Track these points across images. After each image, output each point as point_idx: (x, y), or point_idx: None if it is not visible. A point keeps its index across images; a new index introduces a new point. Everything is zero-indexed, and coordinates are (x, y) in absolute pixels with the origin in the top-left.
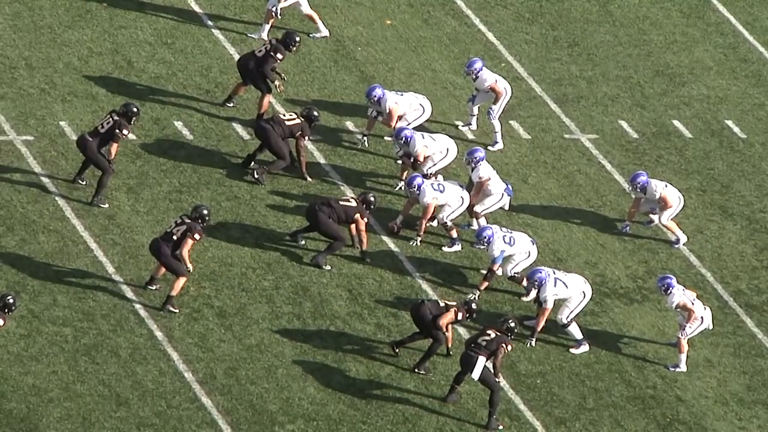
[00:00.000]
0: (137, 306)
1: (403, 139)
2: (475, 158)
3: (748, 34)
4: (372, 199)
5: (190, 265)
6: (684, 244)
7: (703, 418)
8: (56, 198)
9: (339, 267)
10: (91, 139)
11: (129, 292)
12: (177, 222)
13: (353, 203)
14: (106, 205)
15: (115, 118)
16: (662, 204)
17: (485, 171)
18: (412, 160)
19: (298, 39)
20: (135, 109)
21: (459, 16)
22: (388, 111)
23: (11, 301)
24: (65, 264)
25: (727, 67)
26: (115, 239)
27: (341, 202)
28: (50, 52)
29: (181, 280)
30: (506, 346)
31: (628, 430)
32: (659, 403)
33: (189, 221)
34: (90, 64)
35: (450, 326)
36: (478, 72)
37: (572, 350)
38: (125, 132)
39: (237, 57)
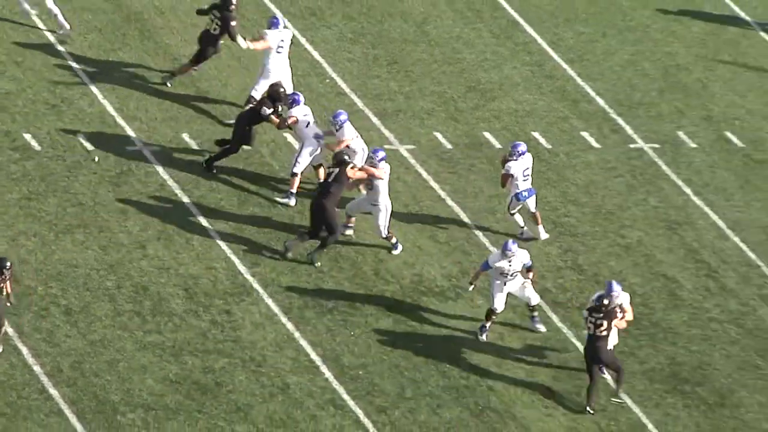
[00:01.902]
0: None
1: (338, 124)
2: (518, 152)
3: (553, 52)
4: (345, 158)
5: None
6: (492, 246)
7: (513, 406)
8: None
9: (176, 268)
10: None
11: None
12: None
13: (336, 169)
14: None
15: None
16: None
17: (516, 168)
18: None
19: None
20: None
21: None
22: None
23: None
24: None
25: (534, 83)
26: None
27: (330, 180)
28: None
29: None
30: None
31: (443, 417)
32: (472, 393)
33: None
34: None
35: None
36: (342, 124)
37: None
38: None
39: (81, 75)
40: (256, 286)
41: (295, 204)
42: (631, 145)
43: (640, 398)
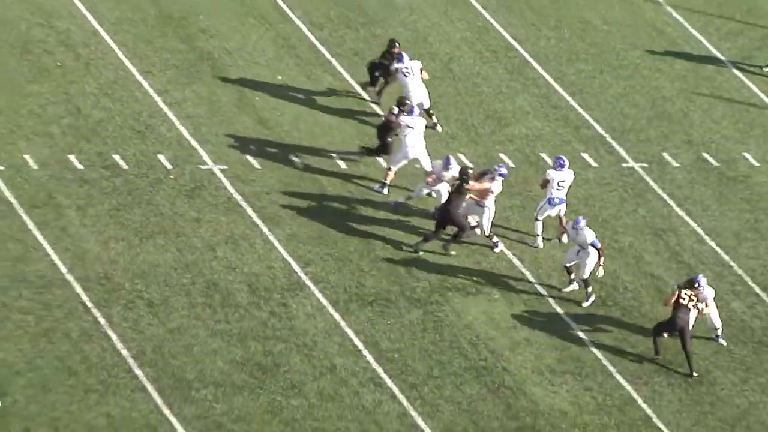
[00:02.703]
0: (84, 298)
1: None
2: (559, 163)
3: (558, 86)
4: (466, 174)
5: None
6: (507, 249)
7: (524, 384)
8: (21, 214)
9: (241, 268)
10: None
11: (78, 288)
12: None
13: (457, 184)
14: None
15: None
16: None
17: (554, 175)
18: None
19: (397, 43)
20: None
21: (334, 74)
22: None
23: None
24: (28, 266)
25: (542, 112)
26: (67, 246)
27: (453, 191)
28: (16, 101)
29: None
30: None
31: (465, 393)
32: (489, 373)
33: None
34: (48, 111)
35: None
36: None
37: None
38: None
39: (161, 105)
40: (308, 282)
41: (388, 192)
42: (624, 165)
43: (631, 377)
